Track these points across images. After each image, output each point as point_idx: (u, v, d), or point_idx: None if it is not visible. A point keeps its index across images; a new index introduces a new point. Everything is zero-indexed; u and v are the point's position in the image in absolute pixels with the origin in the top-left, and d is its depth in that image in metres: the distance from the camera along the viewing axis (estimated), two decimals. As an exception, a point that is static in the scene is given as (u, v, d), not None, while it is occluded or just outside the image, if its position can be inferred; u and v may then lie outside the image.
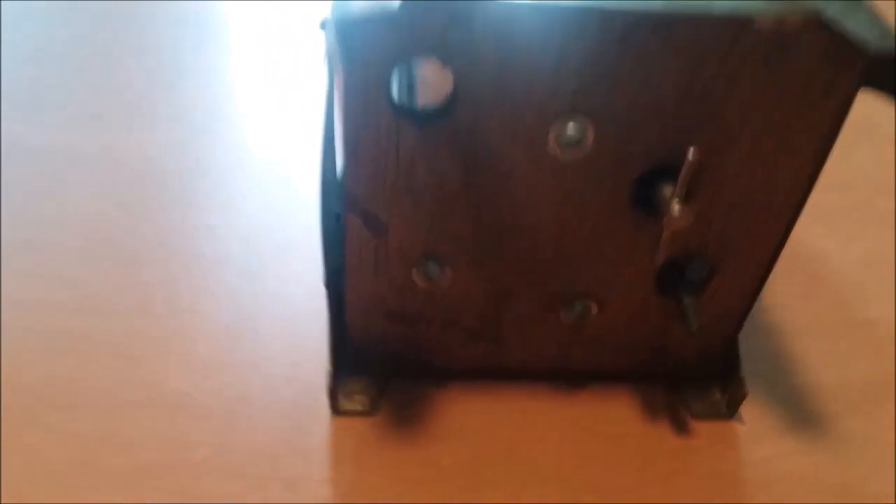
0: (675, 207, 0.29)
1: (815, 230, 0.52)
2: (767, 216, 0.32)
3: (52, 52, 0.58)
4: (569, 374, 0.39)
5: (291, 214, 0.47)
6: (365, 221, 0.32)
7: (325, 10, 0.28)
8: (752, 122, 0.29)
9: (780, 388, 0.40)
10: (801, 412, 0.39)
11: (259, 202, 0.48)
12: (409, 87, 0.32)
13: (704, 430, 0.38)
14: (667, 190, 0.30)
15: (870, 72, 0.27)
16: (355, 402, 0.37)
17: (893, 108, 0.63)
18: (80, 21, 0.62)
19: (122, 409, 0.36)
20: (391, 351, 0.37)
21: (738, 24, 0.27)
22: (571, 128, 0.29)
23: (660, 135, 0.29)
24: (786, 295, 0.46)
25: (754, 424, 0.38)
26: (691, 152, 0.28)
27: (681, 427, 0.38)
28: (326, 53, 0.27)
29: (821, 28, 0.27)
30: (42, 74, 0.56)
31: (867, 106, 0.31)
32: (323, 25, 0.29)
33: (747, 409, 0.39)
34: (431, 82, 0.30)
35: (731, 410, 0.38)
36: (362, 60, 0.26)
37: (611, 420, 0.38)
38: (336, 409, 0.37)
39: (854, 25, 0.26)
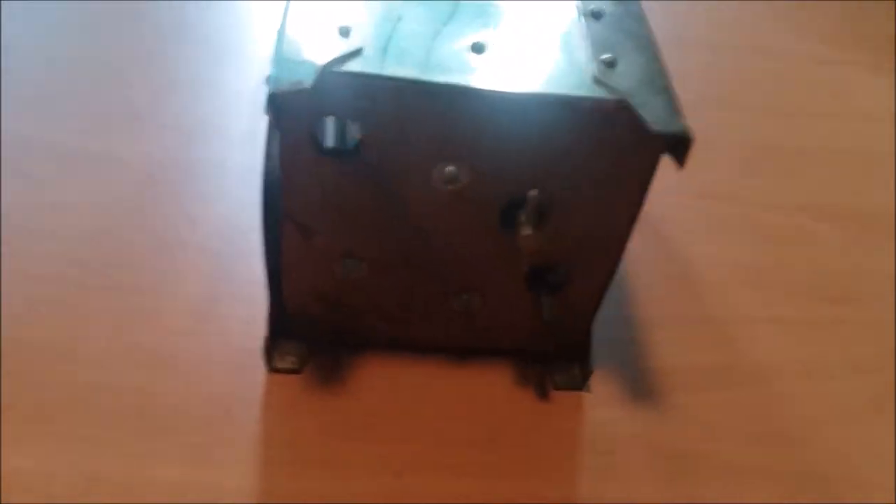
0: (525, 231, 0.39)
1: (692, 237, 0.62)
2: (604, 242, 0.42)
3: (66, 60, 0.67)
4: (460, 350, 0.49)
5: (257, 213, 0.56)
6: (297, 227, 0.41)
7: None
8: (583, 175, 0.39)
9: (627, 369, 0.51)
10: (641, 388, 0.50)
11: (233, 202, 0.57)
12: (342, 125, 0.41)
13: (562, 397, 0.49)
14: (521, 218, 0.40)
15: (665, 146, 0.37)
16: (287, 362, 0.47)
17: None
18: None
19: (111, 363, 0.46)
20: (319, 323, 0.47)
21: (569, 105, 0.36)
22: (450, 169, 0.39)
23: (517, 179, 0.39)
24: (652, 290, 0.56)
25: (601, 395, 0.49)
26: (533, 193, 0.38)
27: (543, 394, 0.49)
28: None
29: (628, 111, 0.36)
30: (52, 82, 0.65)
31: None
32: (267, 80, 0.38)
33: (599, 384, 0.49)
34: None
35: (583, 383, 0.49)
36: (288, 118, 0.36)
37: (489, 385, 0.48)
38: (271, 367, 0.47)
39: (651, 110, 0.36)
